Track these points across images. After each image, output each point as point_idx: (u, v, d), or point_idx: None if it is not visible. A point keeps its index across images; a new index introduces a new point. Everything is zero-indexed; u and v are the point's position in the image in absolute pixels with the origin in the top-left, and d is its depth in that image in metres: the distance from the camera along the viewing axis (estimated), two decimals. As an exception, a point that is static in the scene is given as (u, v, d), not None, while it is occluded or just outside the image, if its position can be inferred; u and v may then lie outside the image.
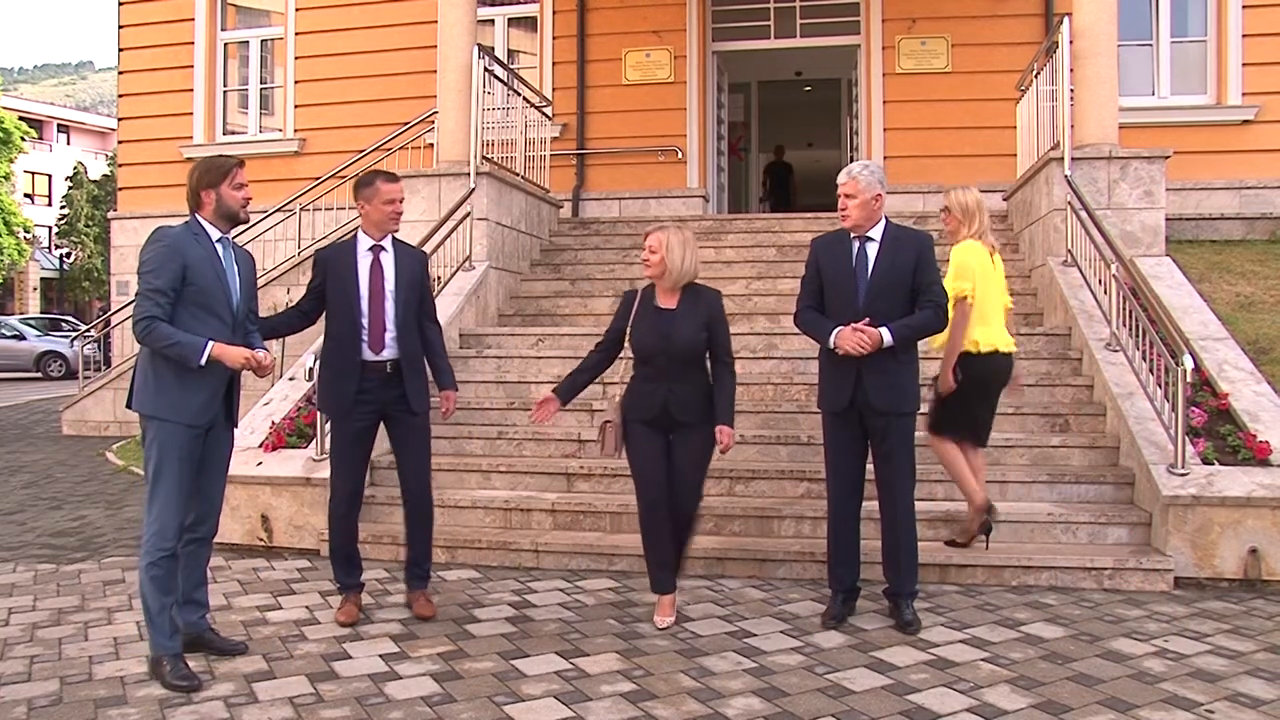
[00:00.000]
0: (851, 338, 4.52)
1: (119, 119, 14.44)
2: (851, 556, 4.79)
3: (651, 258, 4.69)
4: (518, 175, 9.83)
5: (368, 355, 4.77)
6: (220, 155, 4.43)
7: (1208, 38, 11.31)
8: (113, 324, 13.25)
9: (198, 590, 4.39)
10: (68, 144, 55.82)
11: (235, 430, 4.44)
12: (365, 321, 4.77)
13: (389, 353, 4.80)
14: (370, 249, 4.85)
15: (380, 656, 4.34)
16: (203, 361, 4.02)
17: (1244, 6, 11.06)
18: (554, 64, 12.58)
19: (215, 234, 4.23)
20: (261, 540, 6.32)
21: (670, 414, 4.67)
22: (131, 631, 4.70)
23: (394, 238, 4.95)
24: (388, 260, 4.86)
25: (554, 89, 12.32)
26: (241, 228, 4.59)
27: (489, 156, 9.31)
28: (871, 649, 4.40)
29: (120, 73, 14.14)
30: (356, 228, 4.98)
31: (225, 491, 4.53)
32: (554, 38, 12.60)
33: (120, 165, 14.47)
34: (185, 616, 4.29)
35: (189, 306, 4.08)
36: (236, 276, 4.26)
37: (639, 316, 4.75)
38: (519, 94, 10.07)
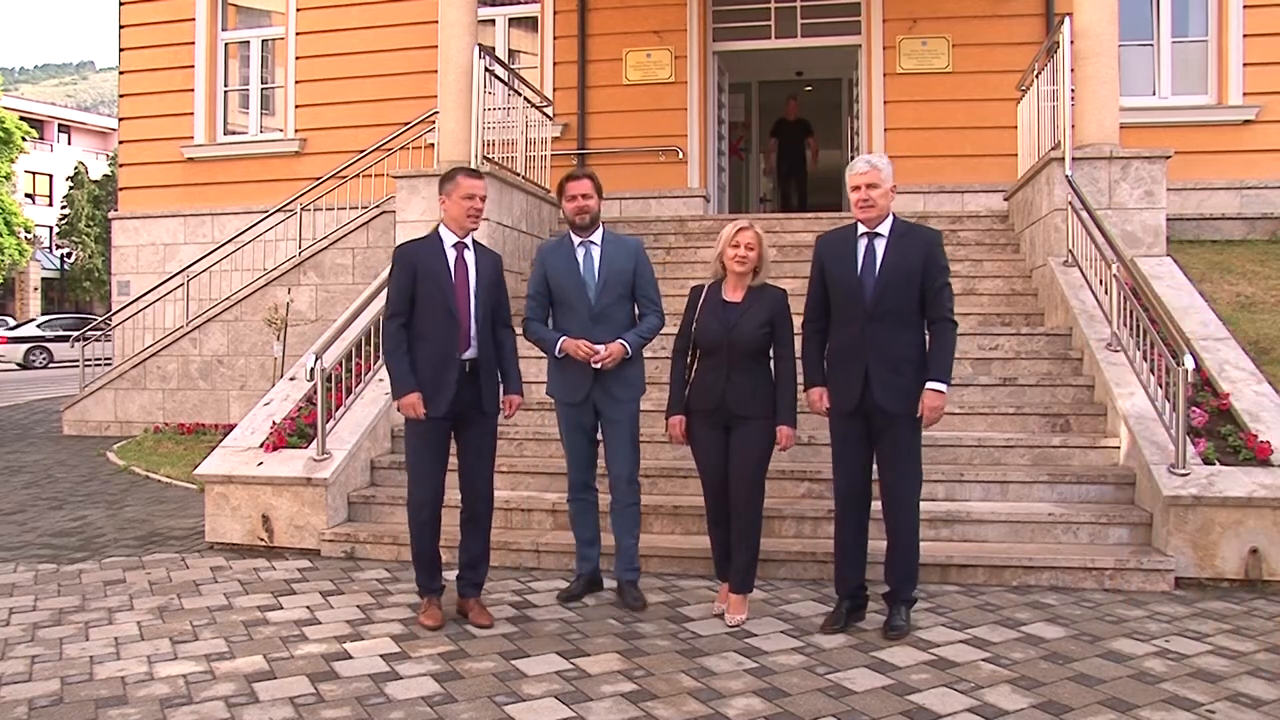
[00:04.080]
0: (819, 404, 4.72)
1: (120, 119, 14.43)
2: (858, 558, 4.76)
3: (750, 255, 4.76)
4: (518, 175, 9.83)
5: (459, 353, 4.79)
6: (572, 170, 5.18)
7: (1209, 37, 11.30)
8: (113, 324, 13.25)
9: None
10: (68, 144, 55.86)
11: (626, 405, 5.11)
12: (462, 319, 4.78)
13: (471, 352, 4.81)
14: (454, 246, 4.86)
15: (381, 657, 4.34)
16: (557, 353, 5.01)
17: (1245, 6, 11.06)
18: (555, 64, 12.57)
19: (576, 239, 5.09)
20: (262, 540, 6.33)
21: (728, 406, 4.73)
22: (132, 631, 4.71)
23: (473, 237, 4.96)
24: (470, 258, 4.88)
25: (555, 89, 12.31)
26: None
27: (490, 156, 9.31)
28: (872, 649, 4.40)
29: (121, 73, 14.14)
30: (438, 224, 4.99)
31: (629, 457, 5.15)
32: (555, 38, 12.59)
33: (121, 165, 14.47)
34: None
35: (556, 304, 5.09)
36: (596, 274, 5.03)
37: (705, 309, 4.84)
38: (520, 94, 10.07)
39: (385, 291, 7.43)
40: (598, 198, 5.14)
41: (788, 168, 14.09)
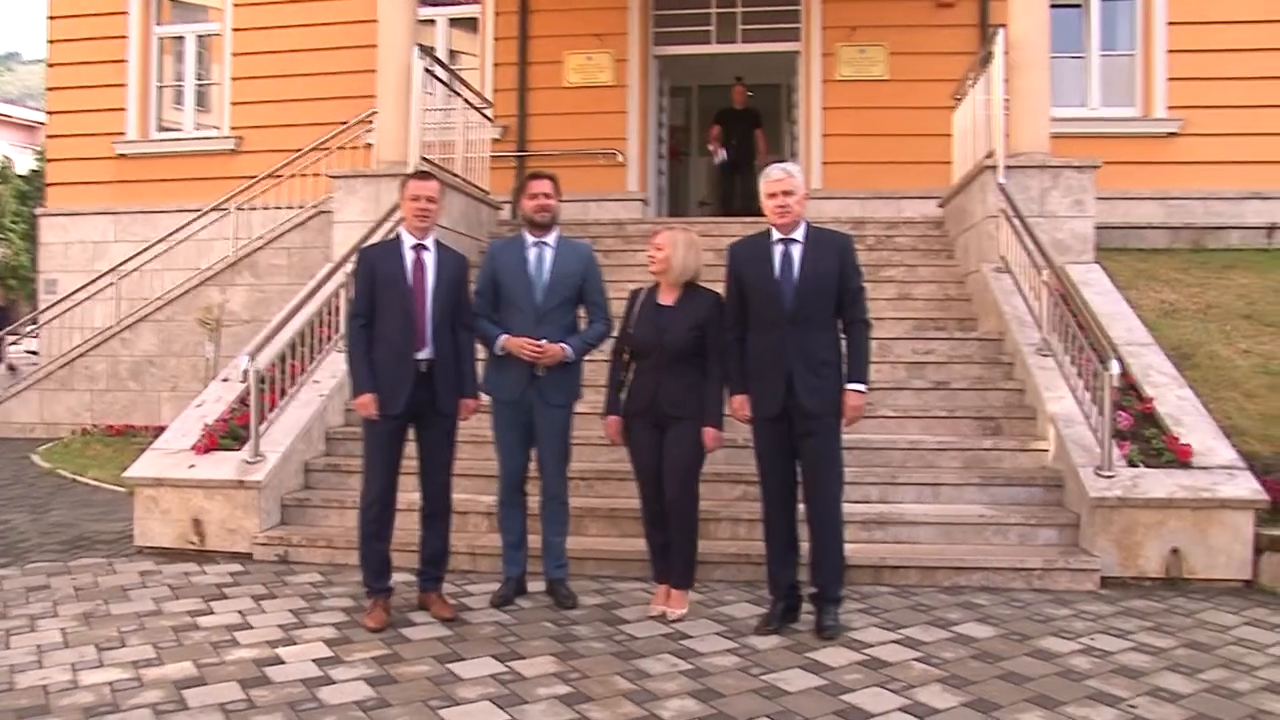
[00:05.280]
0: (741, 412, 4.78)
1: (48, 113, 14.10)
2: (789, 559, 4.80)
3: (657, 255, 4.91)
4: (457, 176, 9.77)
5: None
6: (535, 169, 5.41)
7: (1135, 52, 11.60)
8: (39, 323, 12.92)
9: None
10: (-7, 137, 54.31)
11: (560, 409, 5.15)
12: (418, 320, 4.83)
13: (425, 352, 4.85)
14: (414, 247, 4.92)
15: (314, 661, 4.29)
16: (498, 350, 5.04)
17: (1169, 23, 11.37)
18: (495, 65, 12.53)
19: (529, 239, 5.16)
20: (193, 544, 6.22)
21: (661, 406, 4.84)
22: (56, 638, 4.60)
23: (437, 240, 5.03)
24: (430, 260, 4.94)
25: (495, 91, 12.25)
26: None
27: (428, 157, 9.25)
28: (806, 650, 4.44)
29: (49, 65, 13.81)
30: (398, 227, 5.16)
31: (559, 459, 5.20)
32: (495, 39, 12.55)
33: (49, 161, 14.13)
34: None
35: (502, 302, 5.12)
36: (545, 275, 5.09)
37: (640, 313, 4.97)
38: (459, 95, 10.01)
39: (320, 292, 7.40)
40: (558, 199, 5.26)
41: (732, 162, 12.80)
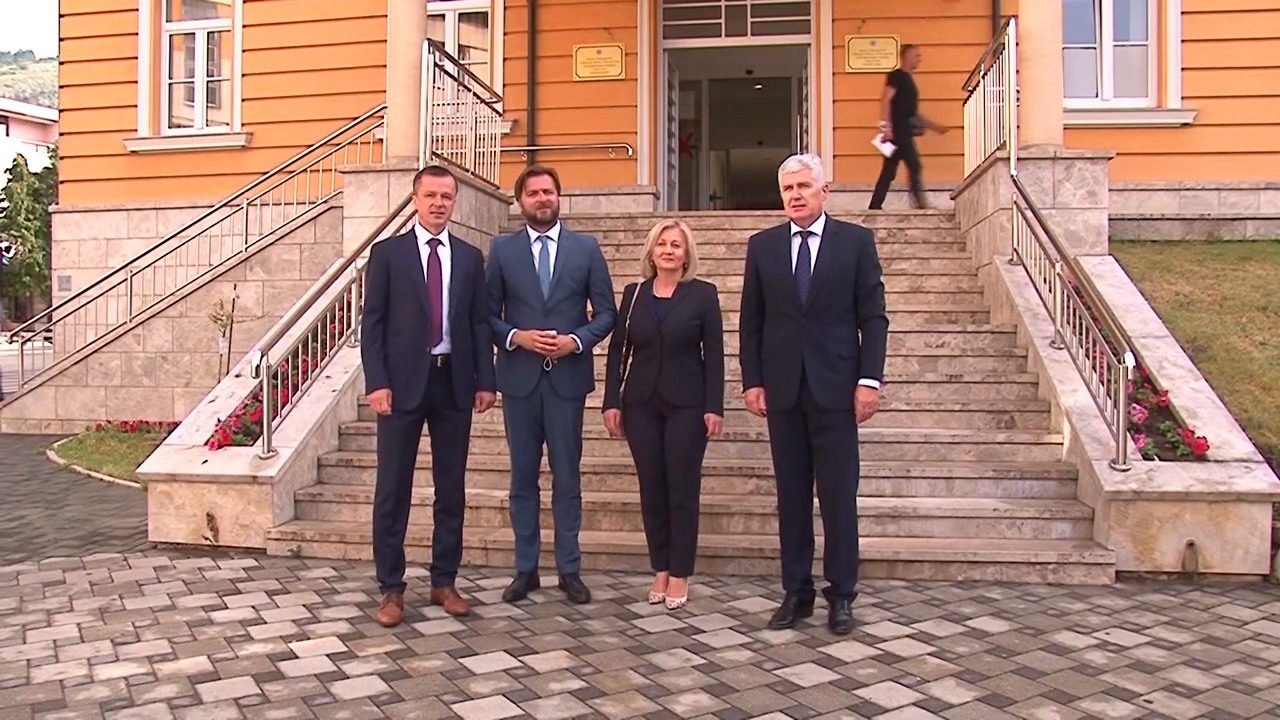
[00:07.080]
0: (755, 405, 4.81)
1: (60, 110, 14.14)
2: (803, 554, 4.80)
3: (676, 251, 4.98)
4: (467, 171, 9.76)
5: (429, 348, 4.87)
6: (533, 166, 5.38)
7: (1149, 42, 11.52)
8: (53, 320, 12.97)
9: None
10: (6, 135, 54.57)
11: (571, 401, 5.15)
12: (433, 314, 4.84)
13: (442, 347, 4.86)
14: (428, 243, 4.93)
15: (327, 656, 4.30)
16: (509, 346, 5.05)
17: (1183, 13, 11.28)
18: (505, 60, 12.51)
19: (533, 234, 5.17)
20: (207, 539, 6.24)
21: (662, 395, 4.91)
22: (72, 633, 4.62)
23: (451, 234, 5.03)
24: (445, 255, 4.94)
25: (505, 85, 12.25)
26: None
27: (439, 152, 9.25)
28: (819, 644, 4.43)
29: (61, 63, 13.85)
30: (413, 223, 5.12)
31: (569, 452, 5.17)
32: (505, 33, 12.53)
33: (62, 158, 14.18)
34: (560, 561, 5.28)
35: (509, 298, 5.13)
36: (551, 269, 5.09)
37: (637, 306, 5.03)
38: (469, 89, 10.01)
39: (332, 288, 7.41)
40: (557, 193, 5.25)
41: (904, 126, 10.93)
